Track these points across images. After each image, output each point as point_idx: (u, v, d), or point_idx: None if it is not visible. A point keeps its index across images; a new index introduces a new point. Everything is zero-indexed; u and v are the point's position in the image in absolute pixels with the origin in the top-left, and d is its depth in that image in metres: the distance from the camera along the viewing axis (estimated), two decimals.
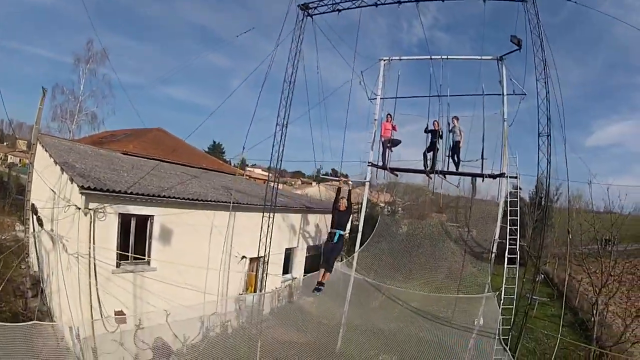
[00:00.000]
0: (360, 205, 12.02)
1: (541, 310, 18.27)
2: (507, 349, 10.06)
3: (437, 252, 14.15)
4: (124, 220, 10.51)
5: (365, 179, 12.13)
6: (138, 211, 10.75)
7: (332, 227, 9.54)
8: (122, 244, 10.48)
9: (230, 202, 12.27)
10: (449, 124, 11.80)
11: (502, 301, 10.65)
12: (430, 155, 11.81)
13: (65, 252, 9.85)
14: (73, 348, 8.73)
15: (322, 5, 11.60)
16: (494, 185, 12.13)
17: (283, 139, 11.37)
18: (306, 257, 17.91)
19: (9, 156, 52.18)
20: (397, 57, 12.55)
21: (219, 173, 21.72)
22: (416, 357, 10.71)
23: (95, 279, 9.63)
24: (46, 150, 13.33)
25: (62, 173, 10.79)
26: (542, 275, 21.30)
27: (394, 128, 12.13)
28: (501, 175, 11.49)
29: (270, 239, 12.29)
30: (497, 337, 10.18)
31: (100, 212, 9.59)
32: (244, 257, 13.08)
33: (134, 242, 10.82)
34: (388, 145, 12.07)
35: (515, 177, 11.46)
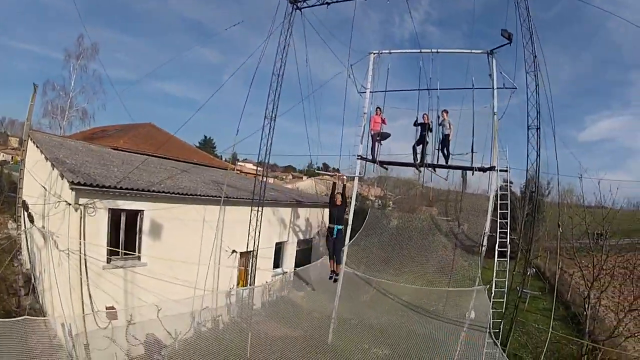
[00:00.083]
0: (350, 199, 12.05)
1: (533, 304, 18.37)
2: (498, 342, 10.07)
3: (428, 245, 14.16)
4: (114, 215, 10.51)
5: (354, 172, 12.09)
6: (128, 206, 10.75)
7: (330, 222, 10.10)
8: (113, 240, 10.48)
9: (220, 197, 12.24)
10: (438, 117, 11.79)
11: (492, 294, 10.69)
12: (419, 148, 11.79)
13: (57, 248, 9.87)
14: (66, 345, 8.71)
15: None
16: (485, 179, 12.16)
17: (271, 132, 11.34)
18: (297, 251, 17.90)
19: (1, 154, 51.81)
20: (387, 51, 12.50)
21: (210, 168, 21.75)
22: (408, 351, 10.71)
23: (86, 274, 9.65)
24: (37, 147, 13.28)
25: (53, 169, 10.78)
26: (534, 269, 21.40)
27: (383, 121, 12.10)
28: (491, 168, 11.49)
29: (259, 232, 12.23)
30: (487, 330, 10.19)
31: (90, 207, 9.59)
32: (234, 251, 13.04)
33: (125, 237, 10.81)
34: (377, 138, 12.04)
35: (506, 171, 11.47)
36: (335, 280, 10.74)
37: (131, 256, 10.93)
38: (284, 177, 68.09)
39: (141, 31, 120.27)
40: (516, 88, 11.51)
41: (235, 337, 11.50)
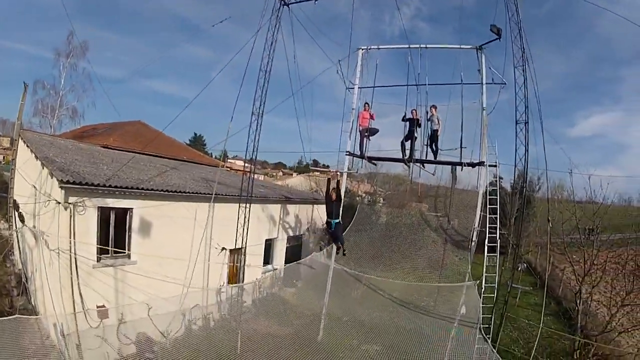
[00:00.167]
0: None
1: (524, 299, 18.38)
2: (487, 337, 10.08)
3: (418, 241, 14.19)
4: (104, 213, 10.46)
5: (343, 168, 12.10)
6: (117, 204, 10.69)
7: (328, 217, 10.78)
8: (103, 238, 10.44)
9: (208, 194, 12.19)
10: (427, 112, 11.78)
11: (482, 289, 10.71)
12: (408, 144, 11.79)
13: (47, 247, 9.83)
14: (58, 344, 8.67)
15: None
16: (476, 175, 12.19)
17: (258, 128, 11.30)
18: (287, 248, 17.87)
19: None
20: (375, 46, 12.49)
21: (199, 165, 21.78)
22: (398, 347, 10.74)
23: (77, 273, 9.59)
24: (28, 146, 13.20)
25: (43, 168, 10.77)
26: (525, 264, 21.44)
27: (371, 117, 12.08)
28: (480, 163, 11.48)
29: (247, 230, 12.20)
30: (478, 326, 10.20)
31: (80, 206, 9.55)
32: (223, 248, 12.98)
33: (114, 235, 10.76)
34: (366, 134, 12.03)
35: (495, 166, 11.49)
36: (344, 254, 11.56)
37: (121, 254, 10.87)
38: (275, 174, 68.18)
39: (131, 29, 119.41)
40: (505, 83, 11.54)
41: (225, 335, 11.49)
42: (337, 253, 11.87)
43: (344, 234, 12.92)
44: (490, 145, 11.50)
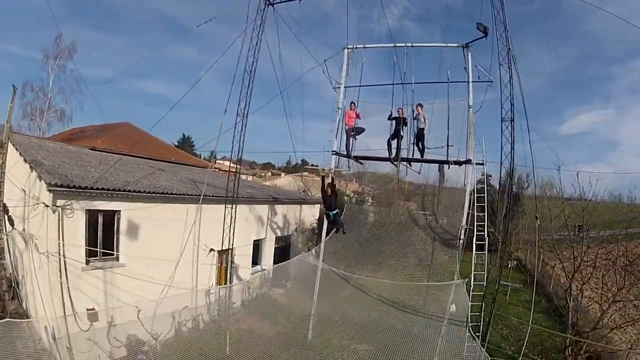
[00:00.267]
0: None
1: (515, 296, 18.43)
2: (476, 336, 10.08)
3: (406, 240, 14.19)
4: (92, 216, 10.43)
5: (329, 167, 12.12)
6: (105, 206, 10.66)
7: (327, 210, 11.54)
8: (91, 241, 10.39)
9: (195, 195, 12.16)
10: (413, 111, 11.78)
11: (471, 288, 10.70)
12: (394, 142, 11.80)
13: (37, 251, 9.79)
14: (50, 348, 8.63)
15: None
16: (464, 173, 12.18)
17: (244, 129, 11.28)
18: (275, 248, 17.82)
19: None
20: (362, 46, 12.48)
21: (187, 166, 21.70)
22: (389, 346, 10.73)
23: (66, 277, 9.57)
24: (17, 149, 13.13)
25: (32, 171, 10.73)
26: (515, 262, 21.49)
27: (357, 116, 12.09)
28: (467, 162, 11.50)
29: (233, 230, 12.17)
30: (466, 324, 10.21)
31: (68, 208, 9.51)
32: (211, 249, 12.93)
33: (102, 238, 10.74)
34: (352, 133, 12.04)
35: (482, 164, 11.49)
36: (344, 233, 12.31)
37: (109, 257, 10.86)
38: (263, 174, 68.21)
39: (120, 29, 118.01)
40: (492, 81, 11.51)
41: (214, 336, 11.45)
42: (336, 232, 12.62)
43: (328, 236, 13.07)
44: (477, 143, 11.51)
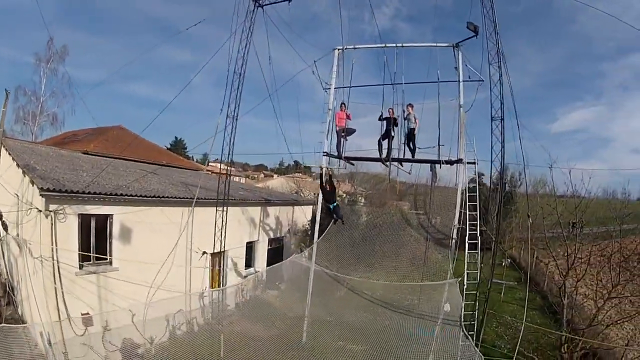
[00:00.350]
0: (318, 195, 12.25)
1: (509, 294, 18.47)
2: (469, 335, 10.07)
3: (399, 240, 14.18)
4: (84, 220, 10.45)
5: (320, 169, 12.15)
6: (97, 211, 10.67)
7: (327, 203, 11.91)
8: (84, 246, 10.42)
9: (187, 198, 12.15)
10: (403, 111, 11.80)
11: (464, 287, 10.71)
12: (385, 143, 11.81)
13: (31, 256, 9.80)
14: (46, 354, 8.61)
15: None
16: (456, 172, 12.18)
17: (233, 131, 11.27)
18: (268, 250, 17.83)
19: None
20: (352, 46, 12.48)
21: (180, 169, 21.75)
22: (384, 346, 10.71)
23: (60, 281, 9.61)
24: (9, 154, 13.07)
25: (24, 176, 10.73)
26: (509, 260, 21.53)
27: (348, 117, 12.10)
28: (458, 161, 11.52)
29: (225, 233, 12.16)
30: (459, 323, 10.21)
31: (60, 213, 9.55)
32: (204, 252, 12.91)
33: (96, 242, 10.76)
34: (343, 134, 12.05)
35: (473, 163, 11.50)
36: (343, 223, 12.62)
37: (103, 261, 10.86)
38: (256, 175, 68.07)
39: (110, 32, 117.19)
40: (483, 80, 11.50)
41: (208, 339, 11.43)
42: (334, 223, 12.82)
43: (320, 238, 13.20)
44: (468, 142, 11.52)
